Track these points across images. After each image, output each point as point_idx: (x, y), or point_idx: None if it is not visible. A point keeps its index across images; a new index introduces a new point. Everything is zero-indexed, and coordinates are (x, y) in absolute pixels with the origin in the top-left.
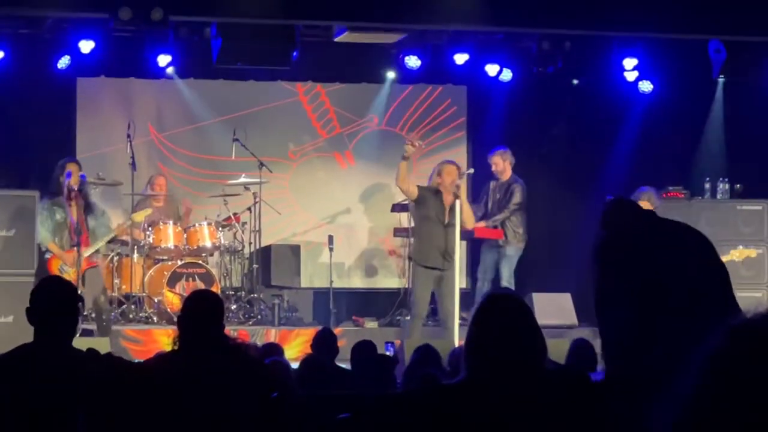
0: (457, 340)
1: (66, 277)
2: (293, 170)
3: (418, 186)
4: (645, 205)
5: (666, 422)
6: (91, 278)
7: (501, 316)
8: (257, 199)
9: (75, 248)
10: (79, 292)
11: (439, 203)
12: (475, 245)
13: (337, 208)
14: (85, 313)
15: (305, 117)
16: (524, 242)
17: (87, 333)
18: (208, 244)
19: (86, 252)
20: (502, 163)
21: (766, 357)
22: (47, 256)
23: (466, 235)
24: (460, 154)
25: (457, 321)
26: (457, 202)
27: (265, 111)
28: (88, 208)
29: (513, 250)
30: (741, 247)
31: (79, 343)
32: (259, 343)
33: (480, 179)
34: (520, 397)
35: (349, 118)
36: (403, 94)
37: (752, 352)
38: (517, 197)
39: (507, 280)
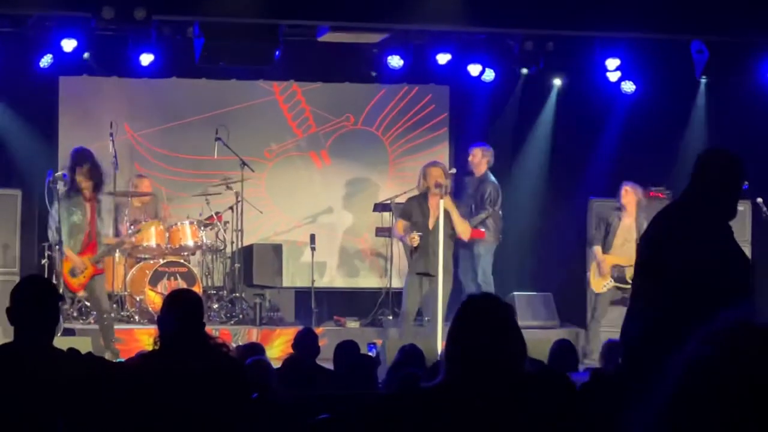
0: (440, 341)
1: (77, 281)
2: (269, 169)
3: (403, 208)
4: (628, 196)
5: (644, 426)
6: (99, 283)
7: (480, 319)
8: (239, 199)
9: (83, 253)
10: (60, 291)
11: (425, 208)
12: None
13: (313, 208)
14: (69, 311)
15: (281, 116)
16: (497, 240)
17: (68, 332)
18: (190, 243)
19: (93, 258)
20: (479, 157)
21: (742, 364)
22: (57, 255)
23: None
24: (442, 152)
25: (440, 322)
26: (441, 202)
27: (241, 110)
28: (98, 211)
29: (483, 249)
30: None
31: (61, 342)
32: (241, 342)
33: (463, 178)
34: (497, 399)
35: (325, 118)
36: (384, 94)
37: (728, 360)
38: (492, 195)
39: (481, 279)
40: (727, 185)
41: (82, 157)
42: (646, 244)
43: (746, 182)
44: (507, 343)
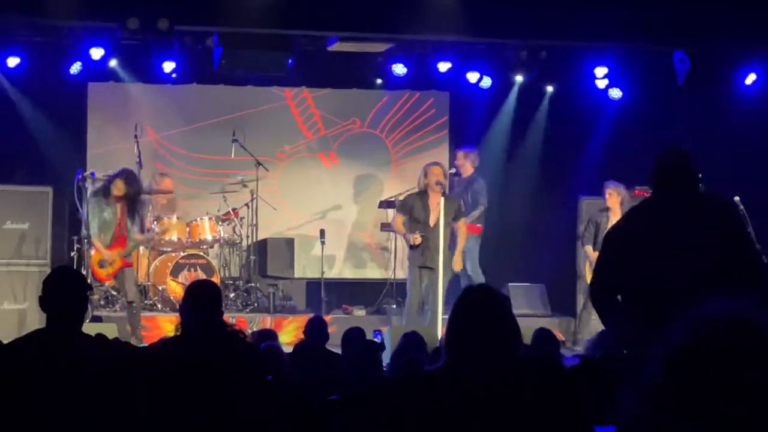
0: (440, 328)
1: (104, 272)
2: (281, 169)
3: (402, 203)
4: (612, 198)
5: (630, 407)
6: (128, 275)
7: (478, 309)
8: (254, 196)
9: (113, 247)
10: (88, 281)
11: (425, 205)
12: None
13: (323, 204)
14: (96, 300)
15: (293, 120)
16: (482, 235)
17: (96, 319)
18: (209, 237)
19: (123, 252)
20: (462, 160)
21: (724, 353)
22: (86, 248)
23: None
24: (442, 154)
25: (440, 310)
26: (441, 200)
27: (256, 114)
28: (131, 210)
29: (472, 243)
30: None
31: (88, 328)
32: (256, 328)
33: (452, 179)
34: (494, 381)
35: (333, 121)
36: (390, 100)
37: (711, 349)
38: (483, 193)
39: (471, 271)
40: (683, 176)
41: (124, 173)
42: (627, 240)
43: (700, 173)
44: (503, 331)
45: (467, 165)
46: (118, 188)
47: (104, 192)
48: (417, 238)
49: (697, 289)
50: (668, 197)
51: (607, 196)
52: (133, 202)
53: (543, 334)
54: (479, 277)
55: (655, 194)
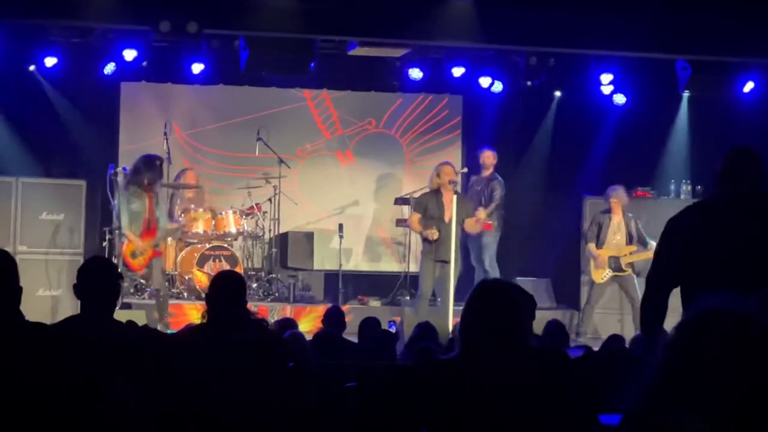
0: (451, 319)
1: (137, 262)
2: (300, 166)
3: (418, 202)
4: (614, 201)
5: (636, 397)
6: (157, 264)
7: (491, 302)
8: (277, 192)
9: (144, 237)
10: (119, 270)
11: (440, 202)
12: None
13: (341, 200)
14: (126, 288)
15: (312, 120)
16: (500, 231)
17: (126, 306)
18: (233, 229)
19: (153, 242)
20: (492, 159)
21: (716, 345)
22: (118, 239)
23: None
24: (454, 153)
25: (452, 302)
26: (454, 197)
27: (278, 114)
28: (157, 199)
29: (491, 239)
30: None
31: (119, 315)
32: (277, 317)
33: (470, 177)
34: (505, 371)
35: (350, 121)
36: (403, 102)
37: (704, 342)
38: (500, 192)
39: (489, 266)
40: (749, 174)
41: (143, 161)
42: (682, 234)
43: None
44: (513, 323)
45: (492, 165)
46: (147, 177)
47: (130, 184)
48: (434, 233)
49: (741, 290)
50: (731, 194)
51: (611, 202)
52: (157, 190)
53: (554, 326)
54: (496, 272)
55: (718, 190)
